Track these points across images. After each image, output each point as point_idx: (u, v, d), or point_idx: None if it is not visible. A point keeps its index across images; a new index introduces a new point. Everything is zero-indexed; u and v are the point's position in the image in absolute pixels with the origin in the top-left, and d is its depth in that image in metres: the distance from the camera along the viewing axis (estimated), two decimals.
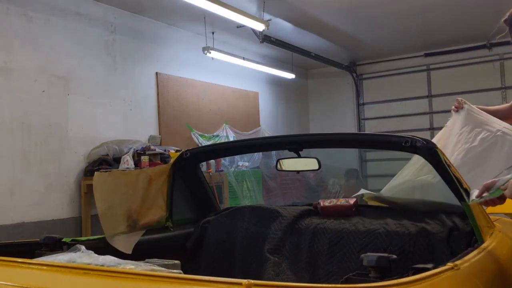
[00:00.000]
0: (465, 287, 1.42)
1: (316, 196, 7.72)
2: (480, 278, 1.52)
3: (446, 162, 1.87)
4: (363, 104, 9.82)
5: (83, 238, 2.15)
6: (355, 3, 6.30)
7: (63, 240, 1.95)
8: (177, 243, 2.48)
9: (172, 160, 2.57)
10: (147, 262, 1.57)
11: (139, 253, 2.31)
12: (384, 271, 1.29)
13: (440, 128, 2.90)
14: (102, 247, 2.01)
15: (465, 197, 1.76)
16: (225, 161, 6.85)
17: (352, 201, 2.28)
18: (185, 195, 2.63)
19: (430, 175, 2.18)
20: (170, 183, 2.48)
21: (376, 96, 9.59)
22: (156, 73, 6.49)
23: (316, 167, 2.36)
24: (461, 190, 1.81)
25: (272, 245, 2.23)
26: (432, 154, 1.89)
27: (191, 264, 2.41)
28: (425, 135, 8.34)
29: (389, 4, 6.37)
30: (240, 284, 0.97)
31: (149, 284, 1.14)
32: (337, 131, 6.87)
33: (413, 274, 1.27)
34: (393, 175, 2.51)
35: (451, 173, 1.84)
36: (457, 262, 1.43)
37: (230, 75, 7.72)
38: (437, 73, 8.99)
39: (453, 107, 2.78)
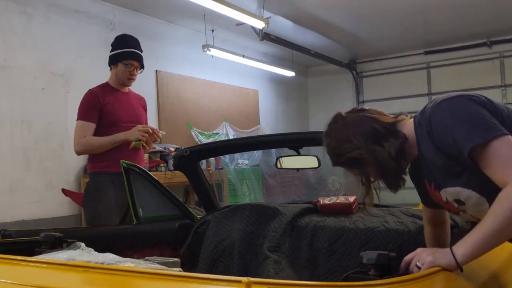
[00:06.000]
0: (464, 285, 1.42)
1: (315, 194, 7.72)
2: (479, 277, 1.52)
3: None
4: (363, 102, 9.80)
5: None
6: (355, 1, 6.29)
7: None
8: (173, 236, 2.54)
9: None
10: (147, 260, 1.56)
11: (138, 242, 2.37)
12: (384, 269, 1.29)
13: None
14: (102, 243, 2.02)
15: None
16: (225, 158, 6.85)
17: (352, 199, 2.28)
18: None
19: None
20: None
21: (376, 94, 9.57)
22: (156, 71, 6.48)
23: (316, 165, 2.36)
24: None
25: (272, 243, 2.23)
26: None
27: (191, 262, 2.41)
28: None
29: (389, 1, 6.35)
30: (240, 282, 0.96)
31: (149, 282, 1.14)
32: None
33: None
34: None
35: None
36: None
37: (230, 73, 7.70)
38: (437, 71, 8.98)
39: None
